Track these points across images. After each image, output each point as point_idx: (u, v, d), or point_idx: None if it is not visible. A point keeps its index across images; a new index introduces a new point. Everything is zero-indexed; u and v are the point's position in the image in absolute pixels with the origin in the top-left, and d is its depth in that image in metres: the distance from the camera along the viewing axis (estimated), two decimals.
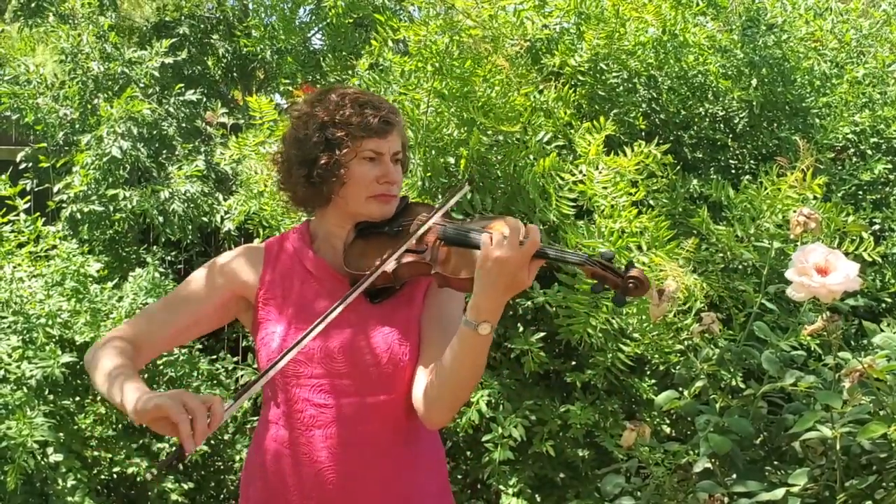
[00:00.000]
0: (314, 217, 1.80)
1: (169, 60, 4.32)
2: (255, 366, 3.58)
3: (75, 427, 3.24)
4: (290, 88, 4.29)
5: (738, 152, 3.42)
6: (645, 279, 1.52)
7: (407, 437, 1.70)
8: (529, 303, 2.96)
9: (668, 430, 3.12)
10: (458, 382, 1.58)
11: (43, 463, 2.97)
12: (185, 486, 3.45)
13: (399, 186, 1.74)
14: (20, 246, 3.48)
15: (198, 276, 1.77)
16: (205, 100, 4.66)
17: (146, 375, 3.50)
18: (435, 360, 1.62)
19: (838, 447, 1.77)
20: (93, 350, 1.65)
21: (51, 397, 3.15)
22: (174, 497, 3.36)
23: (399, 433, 1.69)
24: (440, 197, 2.96)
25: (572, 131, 2.88)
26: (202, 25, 5.11)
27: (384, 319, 1.69)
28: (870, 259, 2.55)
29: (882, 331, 2.02)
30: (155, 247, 4.19)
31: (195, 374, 3.62)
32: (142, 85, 4.26)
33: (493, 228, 1.57)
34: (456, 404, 1.65)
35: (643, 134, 3.14)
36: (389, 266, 1.62)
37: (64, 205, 3.98)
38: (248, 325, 1.79)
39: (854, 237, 2.55)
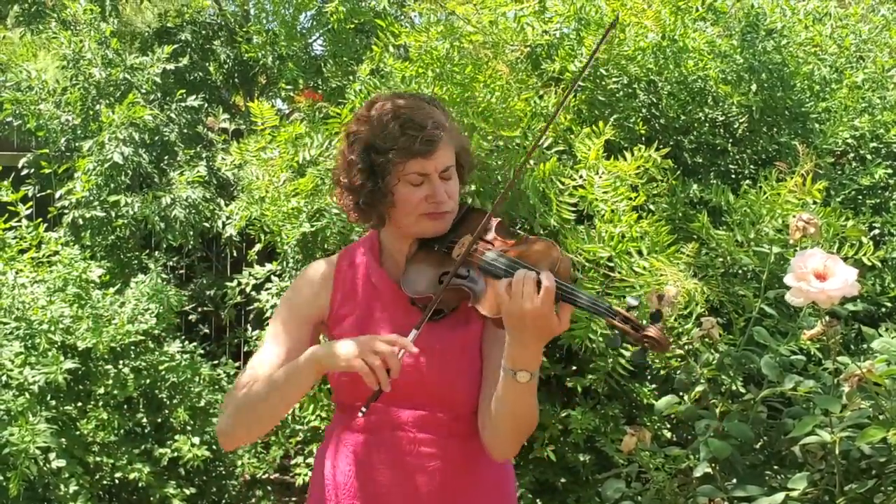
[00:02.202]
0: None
1: (170, 66, 4.34)
2: None
3: (77, 433, 3.24)
4: (292, 94, 4.31)
5: (737, 157, 3.42)
6: (663, 339, 1.42)
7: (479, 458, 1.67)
8: None
9: (668, 434, 3.12)
10: (511, 422, 1.55)
11: (45, 469, 2.97)
12: (187, 492, 3.45)
13: (454, 201, 1.68)
14: (22, 252, 3.49)
15: (282, 323, 1.72)
16: (206, 105, 4.68)
17: (148, 381, 3.51)
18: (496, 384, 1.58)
19: (837, 451, 1.77)
20: (227, 413, 1.65)
21: (53, 403, 3.15)
22: (176, 502, 3.37)
23: (460, 451, 1.66)
24: None
25: (572, 136, 2.89)
26: (204, 31, 5.13)
27: (441, 337, 1.64)
28: (869, 264, 2.55)
29: (881, 335, 2.02)
30: (157, 252, 4.21)
31: (197, 379, 3.63)
32: (143, 91, 4.26)
33: (527, 258, 1.50)
34: (518, 439, 1.61)
35: (643, 139, 3.14)
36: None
37: (66, 211, 3.98)
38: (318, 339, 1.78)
39: (853, 242, 2.54)
